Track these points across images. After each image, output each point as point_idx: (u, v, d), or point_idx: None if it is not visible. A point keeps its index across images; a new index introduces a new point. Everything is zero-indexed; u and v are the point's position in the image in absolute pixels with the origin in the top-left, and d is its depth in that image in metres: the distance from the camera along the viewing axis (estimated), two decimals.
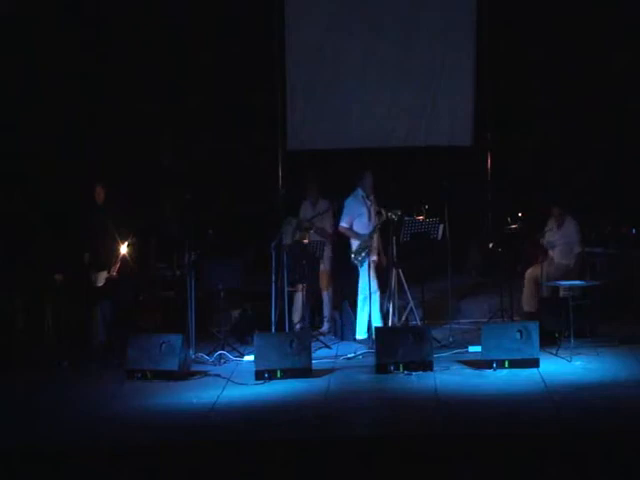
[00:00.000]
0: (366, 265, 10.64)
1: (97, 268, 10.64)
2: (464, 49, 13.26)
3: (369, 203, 10.76)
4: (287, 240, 10.92)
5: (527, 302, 11.11)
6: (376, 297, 10.72)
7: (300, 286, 11.04)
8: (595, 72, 12.71)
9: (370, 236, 10.70)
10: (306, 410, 8.25)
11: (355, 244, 10.77)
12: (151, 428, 7.94)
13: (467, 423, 7.74)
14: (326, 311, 11.44)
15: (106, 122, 12.59)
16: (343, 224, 10.86)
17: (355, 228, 10.78)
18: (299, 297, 11.18)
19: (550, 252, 11.10)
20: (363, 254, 10.65)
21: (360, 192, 10.83)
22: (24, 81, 12.18)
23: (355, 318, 10.95)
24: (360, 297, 10.78)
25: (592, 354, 9.62)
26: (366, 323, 10.68)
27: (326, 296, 11.41)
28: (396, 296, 10.72)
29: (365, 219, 10.74)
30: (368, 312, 10.63)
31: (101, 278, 10.64)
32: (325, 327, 11.36)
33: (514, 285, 11.01)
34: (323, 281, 11.28)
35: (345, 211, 10.86)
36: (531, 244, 11.20)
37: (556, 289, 10.60)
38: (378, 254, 10.86)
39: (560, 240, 11.07)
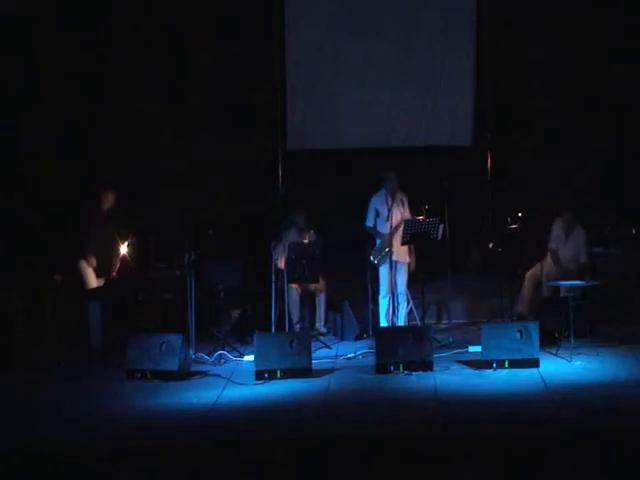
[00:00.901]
0: (386, 265, 10.60)
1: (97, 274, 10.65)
2: (464, 49, 13.27)
3: (390, 202, 10.69)
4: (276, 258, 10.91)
5: (523, 303, 11.09)
6: (402, 299, 10.72)
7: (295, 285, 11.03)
8: (595, 72, 12.71)
9: (390, 235, 10.62)
10: (306, 410, 8.25)
11: (378, 243, 10.74)
12: (151, 428, 7.94)
13: (467, 423, 7.74)
14: (322, 313, 11.42)
15: (106, 122, 12.58)
16: (368, 223, 10.80)
17: (377, 227, 10.78)
18: (293, 294, 11.15)
19: (551, 255, 11.07)
20: (382, 253, 10.60)
21: (384, 191, 10.79)
22: (24, 81, 12.17)
23: (355, 319, 10.96)
24: (380, 296, 10.76)
25: (592, 354, 9.62)
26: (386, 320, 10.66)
27: (321, 298, 11.39)
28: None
29: (383, 218, 10.69)
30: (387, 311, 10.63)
31: (100, 278, 10.65)
32: (323, 329, 11.33)
33: (514, 285, 11.00)
34: (318, 284, 11.22)
35: (369, 210, 10.81)
36: (531, 245, 11.19)
37: (556, 289, 10.59)
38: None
39: (567, 249, 11.03)
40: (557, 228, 11.10)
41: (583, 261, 11.04)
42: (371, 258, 10.70)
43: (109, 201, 10.78)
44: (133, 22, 12.68)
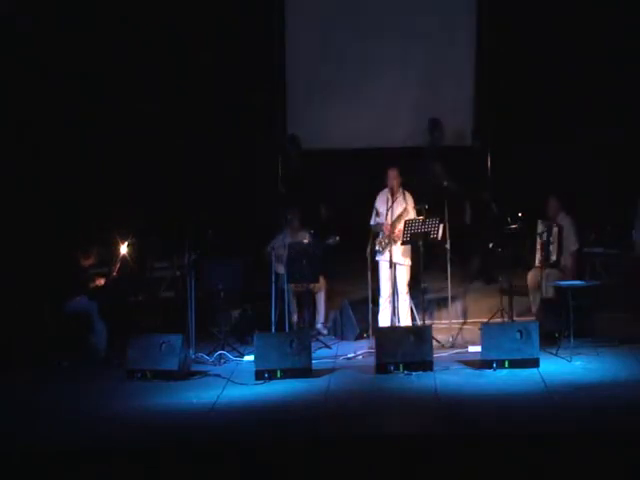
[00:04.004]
0: (386, 266, 10.54)
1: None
2: (464, 49, 13.27)
3: (390, 202, 10.65)
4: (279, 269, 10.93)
5: (533, 303, 11.10)
6: (403, 299, 10.63)
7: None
8: (595, 72, 12.70)
9: (389, 227, 10.57)
10: (306, 410, 8.25)
11: (380, 235, 10.68)
12: (151, 428, 7.94)
13: (467, 423, 7.74)
14: (321, 312, 11.42)
15: (106, 122, 12.57)
16: (371, 222, 10.78)
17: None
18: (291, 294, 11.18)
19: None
20: (385, 242, 10.52)
21: (386, 190, 10.77)
22: (24, 81, 12.15)
23: (355, 319, 10.96)
24: (381, 300, 10.73)
25: (592, 354, 9.62)
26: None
27: (321, 297, 11.39)
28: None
29: (383, 217, 10.66)
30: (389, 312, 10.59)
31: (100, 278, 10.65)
32: (323, 329, 11.33)
33: (514, 285, 10.98)
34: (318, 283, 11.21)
35: (373, 209, 10.81)
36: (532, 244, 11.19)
37: (557, 289, 10.59)
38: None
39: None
40: (540, 225, 11.02)
41: (573, 249, 10.96)
42: (376, 247, 10.61)
43: (90, 260, 10.72)
44: (133, 22, 12.66)
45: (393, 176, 10.69)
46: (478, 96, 13.25)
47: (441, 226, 10.38)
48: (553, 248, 10.85)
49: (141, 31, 12.67)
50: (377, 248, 10.59)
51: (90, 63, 12.53)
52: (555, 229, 10.87)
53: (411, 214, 10.63)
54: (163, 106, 12.70)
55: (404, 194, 10.74)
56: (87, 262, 10.67)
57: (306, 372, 9.29)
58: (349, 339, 10.99)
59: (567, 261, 10.96)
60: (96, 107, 12.55)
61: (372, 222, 10.80)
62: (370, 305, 10.76)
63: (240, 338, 10.91)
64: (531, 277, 11.13)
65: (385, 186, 10.75)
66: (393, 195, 10.67)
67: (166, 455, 7.31)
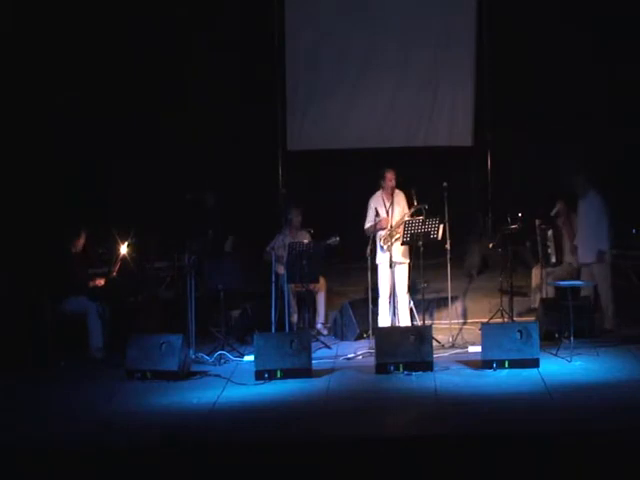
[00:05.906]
0: (386, 266, 10.53)
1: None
2: (464, 48, 13.30)
3: (389, 202, 10.61)
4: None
5: (535, 301, 11.13)
6: (403, 299, 10.60)
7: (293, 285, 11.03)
8: (596, 71, 12.72)
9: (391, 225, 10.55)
10: (306, 410, 8.25)
11: (380, 233, 10.65)
12: (151, 428, 7.94)
13: (467, 423, 7.74)
14: (321, 312, 11.42)
15: (106, 122, 12.57)
16: (368, 223, 10.69)
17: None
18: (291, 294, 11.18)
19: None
20: (394, 238, 10.50)
21: (382, 192, 10.71)
22: (24, 81, 12.16)
23: (355, 319, 10.96)
24: (381, 300, 10.69)
25: (592, 354, 9.63)
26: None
27: (321, 297, 11.39)
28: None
29: (381, 216, 10.62)
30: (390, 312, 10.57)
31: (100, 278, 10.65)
32: (323, 330, 11.33)
33: (514, 285, 11.00)
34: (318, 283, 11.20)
35: (368, 211, 10.68)
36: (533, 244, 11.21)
37: (557, 289, 10.60)
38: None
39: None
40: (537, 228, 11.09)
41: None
42: (381, 244, 10.57)
43: (80, 244, 10.70)
44: (133, 23, 12.67)
45: (391, 177, 10.67)
46: (478, 96, 13.26)
47: (441, 226, 10.37)
48: (552, 251, 10.90)
49: (141, 34, 12.66)
50: (381, 245, 10.56)
51: (88, 65, 12.53)
52: (550, 232, 10.93)
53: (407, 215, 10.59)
54: (164, 106, 12.71)
55: (400, 195, 10.72)
56: (79, 243, 10.61)
57: (306, 372, 9.28)
58: (349, 339, 11.00)
59: (573, 261, 10.98)
60: (96, 107, 12.55)
61: (370, 223, 10.69)
62: (370, 305, 10.75)
63: (240, 338, 10.92)
64: (536, 274, 11.17)
65: (378, 189, 10.69)
66: (391, 196, 10.66)
67: (166, 455, 7.31)
